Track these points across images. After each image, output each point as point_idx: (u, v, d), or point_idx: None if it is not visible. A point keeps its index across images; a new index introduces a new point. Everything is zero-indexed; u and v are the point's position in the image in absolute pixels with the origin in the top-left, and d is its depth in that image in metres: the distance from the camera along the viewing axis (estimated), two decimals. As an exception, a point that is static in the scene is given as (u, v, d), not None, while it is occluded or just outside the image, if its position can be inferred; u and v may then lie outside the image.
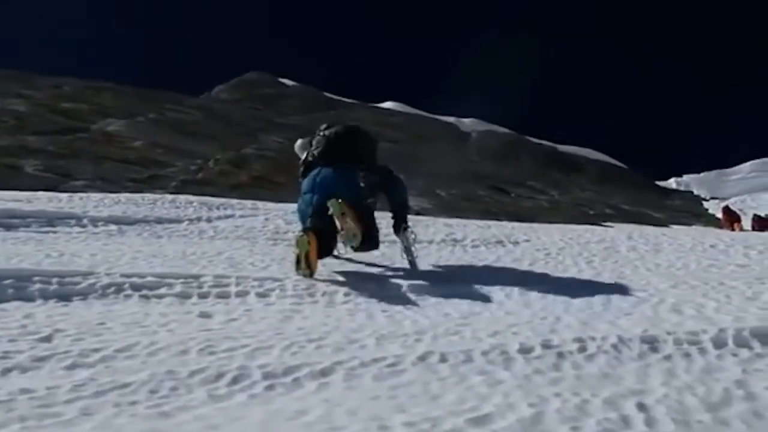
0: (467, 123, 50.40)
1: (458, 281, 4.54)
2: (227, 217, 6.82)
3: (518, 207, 20.48)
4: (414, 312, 3.85)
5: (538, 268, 5.20)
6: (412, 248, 5.21)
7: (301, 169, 5.37)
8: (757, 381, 2.79)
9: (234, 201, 8.10)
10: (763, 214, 29.76)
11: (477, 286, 4.39)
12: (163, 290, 3.99)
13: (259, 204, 7.81)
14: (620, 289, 4.34)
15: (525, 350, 3.07)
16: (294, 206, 5.56)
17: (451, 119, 51.16)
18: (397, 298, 4.11)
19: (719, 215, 30.68)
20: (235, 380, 2.68)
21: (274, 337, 3.26)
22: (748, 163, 75.20)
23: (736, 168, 74.87)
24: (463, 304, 4.01)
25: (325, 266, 4.85)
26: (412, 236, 5.26)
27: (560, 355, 3.05)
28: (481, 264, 5.23)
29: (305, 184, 5.15)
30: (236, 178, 12.95)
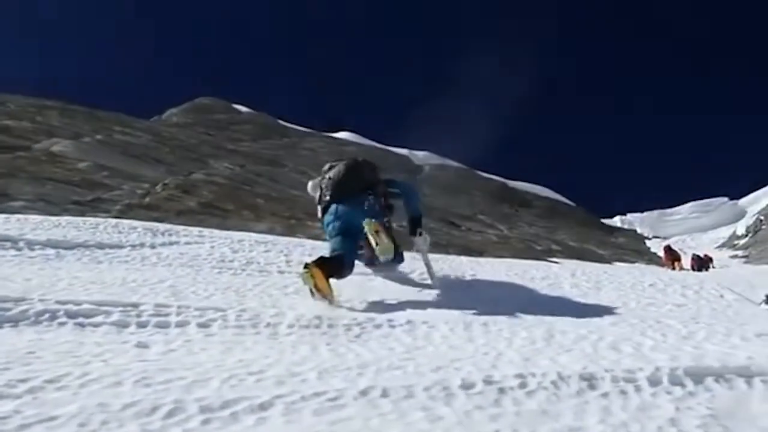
0: (420, 156, 51.03)
1: (403, 314, 4.53)
2: (172, 243, 6.65)
3: (467, 240, 20.70)
4: (358, 345, 3.81)
5: (485, 302, 5.23)
6: (427, 254, 6.03)
7: (320, 208, 5.92)
8: (689, 419, 2.86)
9: (179, 227, 7.91)
10: (701, 254, 30.93)
11: (422, 320, 4.38)
12: (99, 318, 3.85)
13: (206, 231, 7.65)
14: (562, 326, 4.40)
15: (466, 386, 3.07)
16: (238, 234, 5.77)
17: (404, 152, 51.69)
18: (341, 330, 4.07)
19: (661, 254, 31.68)
20: (170, 414, 2.59)
21: (213, 369, 3.17)
22: (688, 204, 78.26)
23: (677, 209, 77.79)
24: (408, 338, 4.00)
25: (299, 294, 4.84)
26: (427, 240, 6.05)
27: (501, 390, 3.06)
28: (427, 297, 5.24)
29: (327, 217, 5.74)
30: (184, 203, 12.69)
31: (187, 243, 6.69)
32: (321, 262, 4.99)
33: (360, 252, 5.87)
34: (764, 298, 4.94)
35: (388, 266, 5.94)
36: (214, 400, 2.71)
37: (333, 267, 5.06)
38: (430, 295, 5.33)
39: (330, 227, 5.68)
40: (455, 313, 4.74)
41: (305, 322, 4.14)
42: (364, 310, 4.67)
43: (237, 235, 7.79)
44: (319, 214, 5.96)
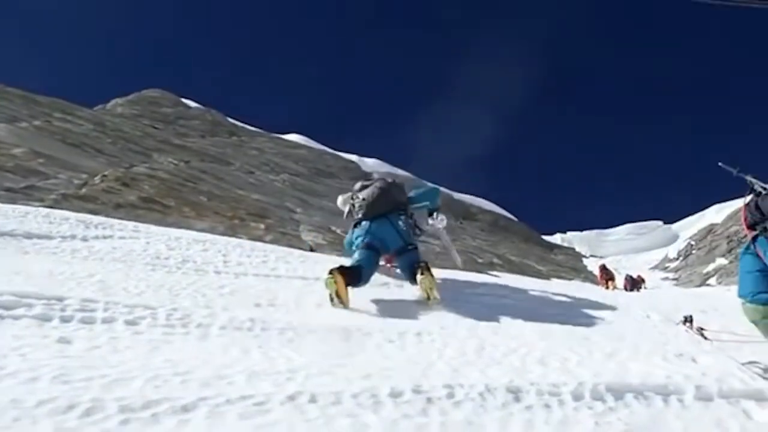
0: (369, 163, 51.08)
1: (339, 321, 4.51)
2: (105, 237, 6.43)
3: (411, 250, 20.85)
4: (290, 349, 3.77)
5: (420, 312, 5.27)
6: (446, 235, 7.32)
7: (353, 225, 6.51)
8: (607, 434, 2.95)
9: (115, 221, 7.66)
10: (634, 275, 32.01)
11: (357, 327, 4.38)
12: (20, 311, 3.69)
13: (142, 226, 7.43)
14: (494, 339, 4.47)
15: (395, 394, 3.09)
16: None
17: (353, 158, 51.62)
18: (275, 334, 4.02)
19: (596, 272, 32.61)
20: (87, 413, 2.51)
21: (137, 368, 3.09)
22: (625, 226, 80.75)
23: (615, 229, 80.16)
24: (341, 344, 3.99)
25: (234, 295, 4.75)
26: (444, 221, 7.10)
27: (429, 400, 3.09)
28: (364, 305, 5.24)
29: (358, 231, 6.28)
30: (123, 197, 12.33)
31: (122, 237, 6.49)
32: (344, 270, 5.33)
33: (380, 265, 6.36)
34: (682, 318, 5.14)
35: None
36: (135, 400, 2.64)
37: (353, 276, 5.43)
38: (369, 303, 5.33)
39: (359, 240, 6.15)
40: (391, 322, 4.76)
41: (238, 324, 4.08)
42: (301, 315, 4.64)
43: (175, 232, 7.59)
44: (351, 229, 6.52)
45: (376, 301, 5.42)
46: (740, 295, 3.49)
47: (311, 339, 4.04)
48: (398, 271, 6.51)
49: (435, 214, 7.00)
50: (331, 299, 5.18)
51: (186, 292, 4.81)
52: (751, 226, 3.72)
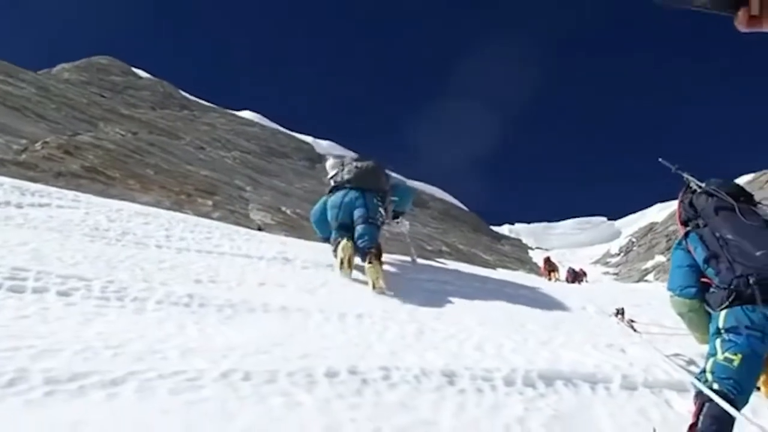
0: (324, 145, 50.66)
1: (279, 301, 4.48)
2: (42, 205, 6.20)
3: (360, 234, 20.85)
4: (228, 327, 3.74)
5: (364, 296, 5.28)
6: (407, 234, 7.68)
7: (330, 187, 6.79)
8: (535, 419, 3.04)
9: (53, 189, 7.39)
10: (577, 268, 32.83)
11: (297, 307, 4.36)
12: (-55, 277, 3.55)
13: (82, 196, 7.19)
14: (434, 324, 4.52)
15: (331, 374, 3.10)
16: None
17: (308, 139, 51.10)
18: (213, 311, 3.97)
19: (541, 264, 33.31)
20: (10, 383, 2.44)
21: (67, 340, 3.01)
22: (570, 221, 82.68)
23: (561, 223, 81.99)
24: (280, 324, 3.98)
25: (174, 270, 4.64)
26: (406, 225, 7.54)
27: (364, 381, 3.11)
28: (307, 285, 5.22)
29: (333, 200, 6.51)
30: (65, 165, 11.90)
31: (60, 207, 6.27)
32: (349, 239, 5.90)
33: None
34: (615, 311, 5.30)
35: None
36: (62, 372, 2.58)
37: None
38: (312, 284, 5.31)
39: (333, 212, 6.42)
40: (333, 303, 4.75)
41: (175, 299, 4.01)
42: (242, 293, 4.58)
43: (116, 204, 7.37)
44: (328, 191, 6.86)
45: (321, 283, 5.40)
46: (669, 289, 3.62)
47: (250, 318, 4.01)
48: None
49: (400, 217, 7.31)
50: (342, 264, 5.66)
51: (124, 265, 4.70)
52: (684, 223, 3.87)
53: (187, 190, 14.55)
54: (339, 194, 6.54)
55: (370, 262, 5.67)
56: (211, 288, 4.54)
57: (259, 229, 12.44)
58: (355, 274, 5.85)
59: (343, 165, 7.02)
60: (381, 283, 5.64)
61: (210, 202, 13.94)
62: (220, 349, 3.28)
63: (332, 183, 6.89)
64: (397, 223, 7.36)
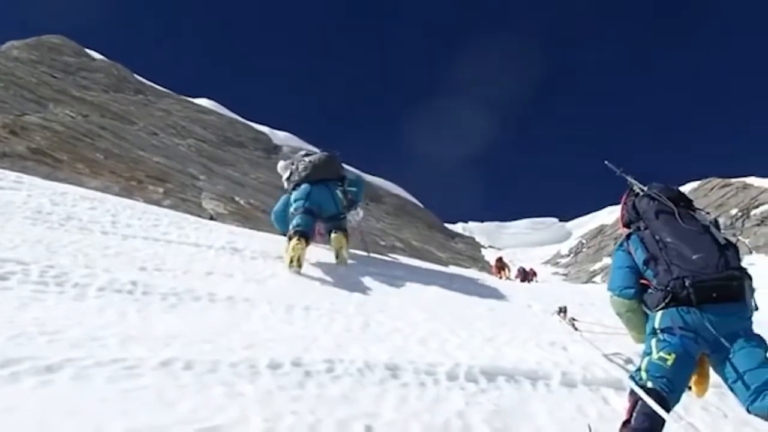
0: (281, 136, 50.01)
1: (226, 290, 4.44)
2: (-19, 186, 5.98)
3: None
4: (172, 316, 3.69)
5: (312, 288, 5.26)
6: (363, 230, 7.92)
7: (292, 186, 7.00)
8: (475, 413, 3.09)
9: (-6, 170, 7.14)
10: (527, 268, 33.39)
11: (244, 298, 4.32)
12: None
13: (26, 178, 6.94)
14: (380, 317, 4.54)
15: (274, 366, 3.09)
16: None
17: (265, 129, 50.42)
18: (156, 299, 3.90)
19: (493, 263, 33.75)
20: (-61, 367, 2.36)
21: (0, 324, 2.92)
22: (523, 221, 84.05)
23: (514, 223, 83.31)
24: (226, 314, 3.94)
25: (118, 257, 4.52)
26: (360, 214, 7.58)
27: (307, 373, 3.11)
28: (255, 276, 5.17)
29: (297, 194, 6.72)
30: (10, 146, 11.46)
31: (1, 188, 6.05)
32: (306, 237, 5.96)
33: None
34: (557, 309, 5.41)
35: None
36: (-6, 358, 2.50)
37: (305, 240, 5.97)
38: (261, 275, 5.27)
39: (298, 203, 6.57)
40: (281, 295, 4.72)
41: (118, 286, 3.92)
42: (188, 282, 4.51)
43: (61, 187, 7.15)
44: (287, 186, 7.15)
45: (269, 274, 5.36)
46: (609, 289, 3.71)
47: (195, 306, 3.96)
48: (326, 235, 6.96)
49: (355, 206, 7.39)
50: (291, 262, 5.63)
51: (66, 250, 4.57)
52: (627, 225, 3.97)
53: (138, 176, 14.19)
54: (303, 187, 6.77)
55: (335, 233, 6.37)
56: (156, 276, 4.46)
57: (212, 218, 12.26)
58: (304, 267, 5.82)
59: (294, 163, 7.22)
60: (344, 253, 6.25)
61: (161, 190, 13.63)
62: (161, 337, 3.23)
63: (290, 183, 7.08)
64: (354, 212, 7.44)
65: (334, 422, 2.65)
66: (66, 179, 9.86)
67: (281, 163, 7.69)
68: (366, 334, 4.06)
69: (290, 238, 5.89)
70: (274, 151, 43.52)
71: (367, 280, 5.95)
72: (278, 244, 6.27)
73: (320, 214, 6.66)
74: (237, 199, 17.17)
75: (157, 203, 10.75)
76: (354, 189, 7.26)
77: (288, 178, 7.18)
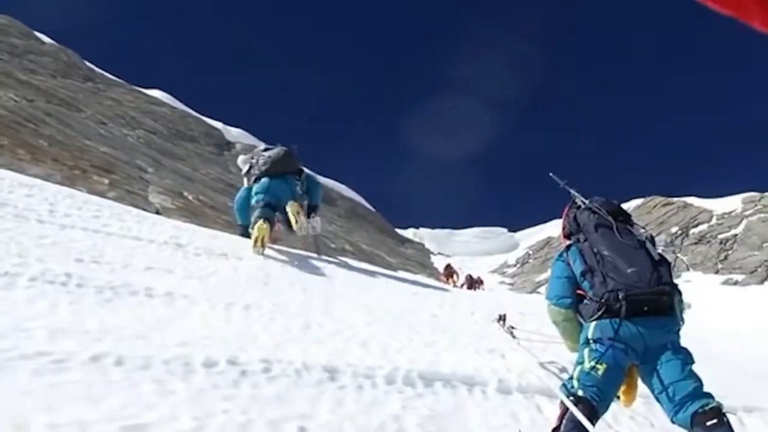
0: (234, 132, 49.21)
1: (165, 286, 4.34)
2: None
3: (264, 226, 20.48)
4: (106, 310, 3.58)
5: (254, 287, 5.21)
6: (317, 234, 7.98)
7: (253, 179, 7.45)
8: (410, 417, 3.10)
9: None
10: (474, 276, 33.82)
11: (183, 294, 4.24)
12: None
13: (-41, 162, 6.68)
14: (322, 319, 4.52)
15: (209, 364, 3.04)
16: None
17: (218, 124, 49.57)
18: (91, 292, 3.78)
19: (441, 269, 34.05)
20: None
21: None
22: (473, 229, 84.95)
23: (463, 231, 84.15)
24: (163, 310, 3.85)
25: (55, 246, 4.35)
26: (319, 222, 7.90)
27: (243, 373, 3.07)
28: (197, 273, 5.08)
29: (258, 188, 7.23)
30: (-54, 128, 11.02)
31: (-68, 171, 5.78)
32: (266, 218, 6.60)
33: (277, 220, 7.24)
34: (497, 317, 5.50)
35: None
36: None
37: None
38: (203, 272, 5.17)
39: (258, 196, 7.09)
40: (221, 292, 4.65)
41: (51, 277, 3.79)
42: (126, 276, 4.39)
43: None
44: (246, 183, 7.61)
45: (211, 271, 5.27)
46: (547, 298, 3.79)
47: (131, 301, 3.86)
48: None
49: (314, 215, 7.77)
50: (255, 242, 6.29)
51: (-3, 238, 4.39)
52: (567, 236, 4.06)
53: (83, 165, 13.77)
54: (263, 181, 7.24)
55: (291, 202, 7.03)
56: (92, 268, 4.33)
57: (158, 212, 12.00)
58: (247, 264, 5.75)
59: (254, 157, 7.65)
60: (302, 218, 7.01)
61: (106, 181, 13.26)
62: (93, 331, 3.14)
63: (250, 176, 7.53)
64: (313, 217, 7.73)
65: (267, 422, 2.62)
66: (5, 165, 9.49)
67: (242, 158, 8.09)
68: (306, 335, 4.04)
69: (255, 223, 6.49)
70: (226, 147, 42.87)
71: (312, 282, 5.93)
72: (223, 240, 6.19)
73: (279, 206, 7.09)
74: (185, 194, 16.85)
75: (101, 194, 10.46)
76: (312, 191, 7.73)
77: (248, 172, 7.58)
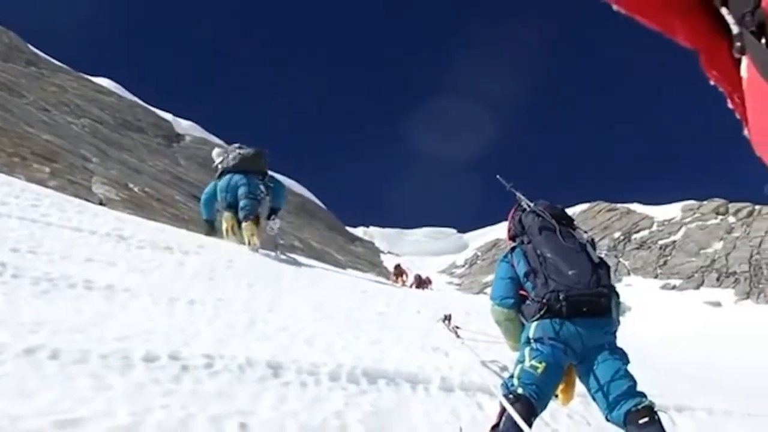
0: (184, 125, 48.25)
1: (106, 278, 4.23)
2: None
3: (212, 220, 20.15)
4: (43, 301, 3.48)
5: (199, 281, 5.13)
6: (276, 235, 8.43)
7: (219, 173, 8.07)
8: (353, 413, 3.11)
9: None
10: (423, 275, 34.04)
11: (125, 288, 4.14)
12: None
13: None
14: (267, 315, 4.49)
15: (149, 359, 2.98)
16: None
17: (168, 116, 48.50)
18: (27, 283, 3.66)
19: (391, 268, 34.17)
20: None
21: None
22: (424, 229, 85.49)
23: (414, 231, 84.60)
24: (102, 303, 3.75)
25: None
26: (278, 223, 8.37)
27: (184, 368, 3.02)
28: (140, 266, 4.97)
29: (222, 183, 7.87)
30: None
31: None
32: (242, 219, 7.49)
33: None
34: (443, 316, 5.56)
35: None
36: None
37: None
38: (144, 264, 5.06)
39: (223, 194, 7.82)
40: (165, 286, 4.57)
41: (-10, 269, 3.65)
42: (65, 267, 4.26)
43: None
44: (217, 177, 8.14)
45: (156, 265, 5.17)
46: (491, 298, 3.86)
47: (70, 293, 3.75)
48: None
49: (274, 217, 8.24)
50: (227, 231, 7.33)
51: (-74, 225, 4.21)
52: (512, 238, 4.14)
53: (23, 152, 13.28)
54: (226, 178, 7.85)
55: (245, 222, 7.38)
56: (29, 259, 4.19)
57: (101, 203, 11.69)
58: (192, 259, 5.66)
59: (227, 152, 8.24)
60: (255, 240, 7.28)
61: (47, 169, 12.83)
62: (28, 323, 3.04)
63: (219, 168, 8.11)
64: (273, 219, 8.22)
65: (207, 418, 2.58)
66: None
67: (216, 150, 8.65)
68: (251, 331, 3.99)
69: (222, 215, 7.63)
70: (176, 139, 42.05)
71: (259, 278, 5.87)
72: (169, 234, 6.07)
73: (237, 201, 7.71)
74: (131, 185, 16.46)
75: (42, 183, 10.12)
76: (272, 184, 8.21)
77: (219, 164, 8.18)
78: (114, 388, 2.61)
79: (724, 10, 0.73)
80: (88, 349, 2.88)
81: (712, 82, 0.81)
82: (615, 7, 0.78)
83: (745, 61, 0.72)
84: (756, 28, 0.66)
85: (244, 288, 5.28)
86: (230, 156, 8.03)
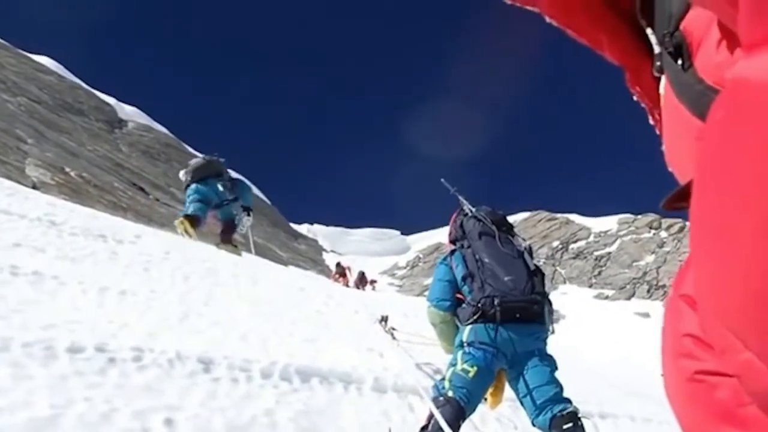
0: (128, 110, 46.83)
1: (34, 265, 4.07)
2: None
3: (152, 210, 19.64)
4: (-38, 286, 3.32)
5: (133, 272, 4.99)
6: (248, 230, 9.54)
7: (185, 186, 8.89)
8: (283, 411, 3.09)
9: None
10: (365, 275, 34.08)
11: (53, 275, 4.00)
12: None
13: None
14: (202, 309, 4.41)
15: (74, 350, 2.89)
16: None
17: (111, 100, 47.01)
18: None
19: (333, 267, 34.07)
20: None
21: None
22: (367, 229, 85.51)
23: (357, 231, 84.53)
24: (28, 290, 3.62)
25: None
26: (249, 222, 9.32)
27: (111, 360, 2.94)
28: (71, 253, 4.80)
29: (189, 191, 8.74)
30: None
31: None
32: (189, 217, 8.22)
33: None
34: (380, 317, 5.59)
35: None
36: None
37: (194, 221, 8.21)
38: (75, 252, 4.89)
39: (191, 197, 8.64)
40: (96, 275, 4.43)
41: None
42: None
43: None
44: (184, 188, 8.96)
45: (88, 253, 5.00)
46: (428, 300, 3.90)
47: (-10, 281, 3.59)
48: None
49: (247, 213, 9.24)
50: (185, 234, 7.87)
51: None
52: (452, 241, 4.19)
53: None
54: (192, 187, 8.70)
55: (223, 243, 8.68)
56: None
57: (34, 187, 11.29)
58: (129, 248, 5.50)
59: (187, 169, 9.06)
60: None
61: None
62: (-58, 309, 2.90)
63: (186, 182, 8.89)
64: (248, 215, 9.22)
65: (132, 413, 2.52)
66: None
67: (182, 172, 9.25)
68: (183, 324, 3.92)
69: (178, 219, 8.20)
70: (118, 125, 40.84)
71: (196, 271, 5.76)
72: (103, 221, 5.89)
73: (208, 203, 8.65)
74: (68, 170, 15.94)
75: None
76: (242, 194, 9.21)
77: (185, 180, 8.99)
78: (35, 379, 2.52)
79: (648, 30, 0.77)
80: (10, 336, 2.77)
81: (635, 98, 0.85)
82: (547, 19, 0.80)
83: (663, 80, 0.76)
84: (674, 48, 0.70)
85: (179, 281, 5.17)
86: (188, 169, 8.97)
